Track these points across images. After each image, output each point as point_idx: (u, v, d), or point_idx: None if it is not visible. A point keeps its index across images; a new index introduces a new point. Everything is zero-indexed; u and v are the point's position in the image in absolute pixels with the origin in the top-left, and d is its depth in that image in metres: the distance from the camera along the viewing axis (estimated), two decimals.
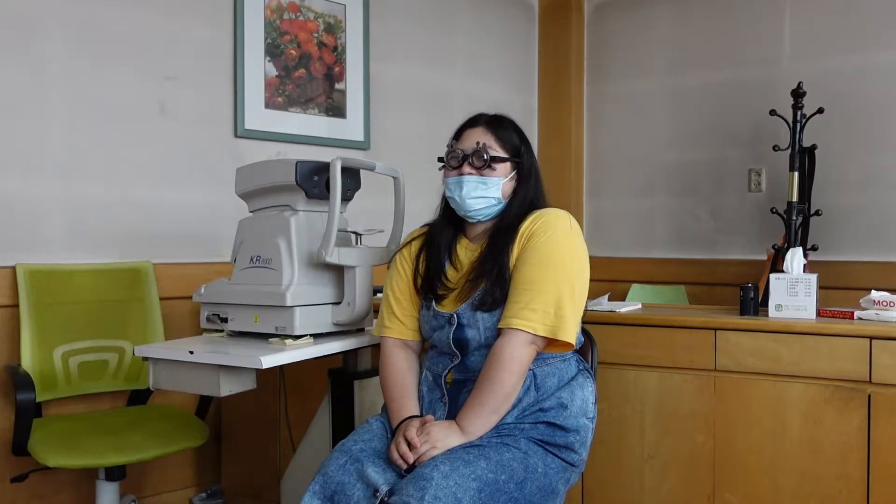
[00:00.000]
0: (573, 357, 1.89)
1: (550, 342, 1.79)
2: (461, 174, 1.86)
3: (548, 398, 1.80)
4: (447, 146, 1.92)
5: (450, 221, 1.95)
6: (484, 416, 1.75)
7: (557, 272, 1.77)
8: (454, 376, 1.85)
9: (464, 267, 1.89)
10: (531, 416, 1.79)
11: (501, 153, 1.87)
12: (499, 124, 1.91)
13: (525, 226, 1.83)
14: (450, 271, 1.90)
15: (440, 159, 1.93)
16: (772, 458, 2.14)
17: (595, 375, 1.98)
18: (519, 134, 1.93)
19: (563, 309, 1.75)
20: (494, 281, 1.80)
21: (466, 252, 1.92)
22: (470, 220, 1.91)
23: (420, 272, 1.93)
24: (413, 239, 2.01)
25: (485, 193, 1.85)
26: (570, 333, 1.77)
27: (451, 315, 1.83)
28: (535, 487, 1.71)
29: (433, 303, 1.88)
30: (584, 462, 1.86)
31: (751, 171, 3.88)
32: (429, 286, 1.90)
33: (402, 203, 2.17)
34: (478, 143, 1.86)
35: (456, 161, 1.88)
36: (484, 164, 1.85)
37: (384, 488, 1.66)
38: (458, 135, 1.93)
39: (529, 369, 1.80)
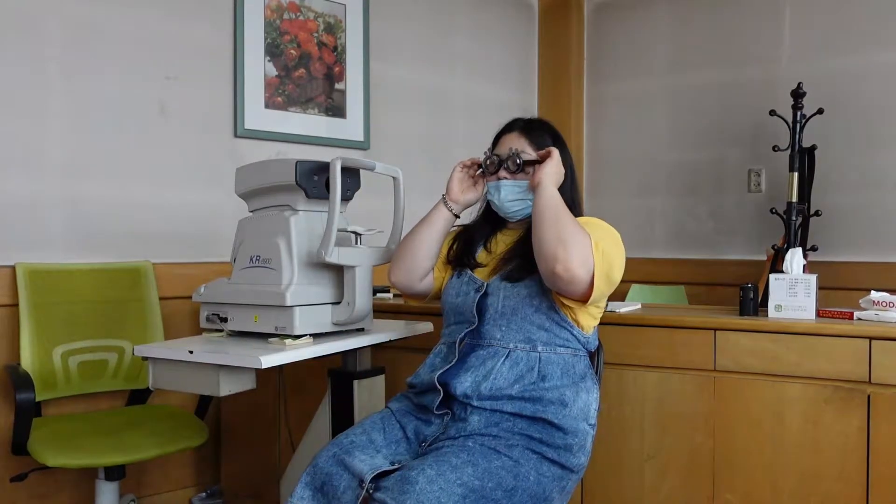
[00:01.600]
0: (584, 356, 1.90)
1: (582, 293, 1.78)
2: (499, 179, 1.97)
3: (550, 389, 1.80)
4: (484, 153, 2.01)
5: (488, 220, 2.07)
6: (565, 209, 1.81)
7: (615, 244, 1.85)
8: (467, 340, 1.89)
9: (498, 251, 1.99)
10: (530, 403, 1.78)
11: (534, 156, 1.95)
12: (532, 128, 2.01)
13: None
14: (481, 254, 2.01)
15: (479, 166, 2.02)
16: (771, 458, 2.14)
17: (600, 381, 1.98)
18: (553, 135, 2.02)
19: (612, 277, 1.80)
20: (527, 259, 1.87)
21: (504, 237, 2.03)
22: (511, 220, 2.02)
23: (453, 249, 2.05)
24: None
25: (521, 196, 1.95)
26: (601, 289, 1.77)
27: (483, 283, 1.91)
28: (525, 496, 1.71)
29: (468, 270, 1.97)
30: (583, 468, 1.85)
31: (750, 171, 3.88)
32: (457, 260, 2.01)
33: (401, 203, 2.17)
34: (511, 149, 1.96)
35: (493, 167, 1.98)
36: (517, 168, 1.94)
37: (368, 476, 1.67)
38: (496, 141, 2.04)
39: (536, 352, 1.82)
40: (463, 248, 2.03)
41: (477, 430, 1.77)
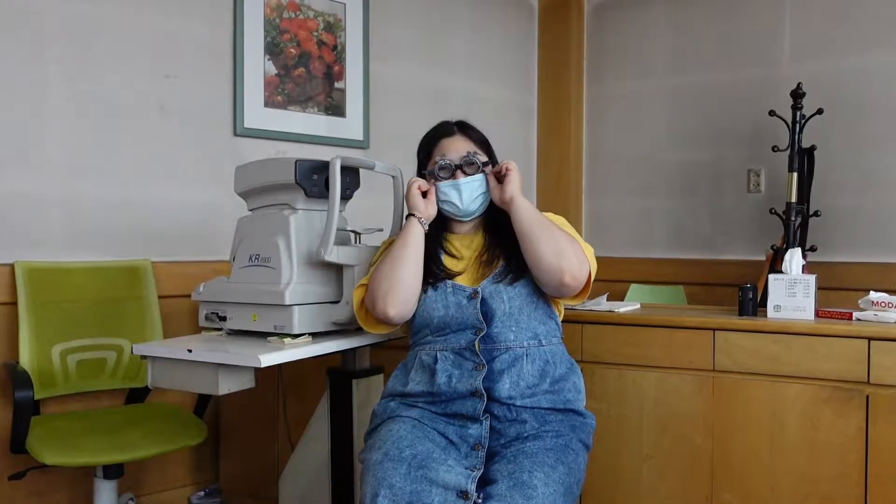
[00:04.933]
0: (563, 343, 1.98)
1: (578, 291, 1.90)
2: (456, 178, 1.95)
3: (563, 378, 1.88)
4: (435, 160, 1.97)
5: (435, 226, 1.99)
6: (547, 219, 1.87)
7: (581, 240, 1.94)
8: (481, 346, 1.86)
9: (464, 256, 1.96)
10: (558, 395, 1.85)
11: (485, 157, 1.99)
12: (468, 128, 2.03)
13: None
14: (447, 259, 1.96)
15: (430, 174, 1.97)
16: (770, 458, 2.14)
17: None
18: (484, 135, 2.05)
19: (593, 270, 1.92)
20: (510, 254, 1.90)
21: (463, 242, 2.00)
22: (464, 220, 1.99)
23: None
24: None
25: (481, 191, 1.96)
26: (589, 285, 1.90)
27: (475, 290, 1.88)
28: (581, 482, 1.81)
29: (447, 280, 1.90)
30: None
31: (750, 171, 3.88)
32: (428, 272, 1.93)
33: (401, 202, 2.17)
34: (468, 153, 1.96)
35: (448, 172, 1.96)
36: (477, 170, 1.95)
37: (472, 486, 1.64)
38: (434, 145, 2.00)
39: (543, 346, 1.87)
40: (428, 260, 1.94)
41: (539, 428, 1.82)
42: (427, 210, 1.95)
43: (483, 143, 2.01)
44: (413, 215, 1.94)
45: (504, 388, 1.81)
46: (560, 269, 1.82)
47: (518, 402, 1.82)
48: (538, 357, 1.86)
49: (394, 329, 2.00)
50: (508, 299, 1.87)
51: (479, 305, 1.86)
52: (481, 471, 1.71)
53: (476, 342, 1.85)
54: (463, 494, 1.63)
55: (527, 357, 1.85)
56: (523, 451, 1.75)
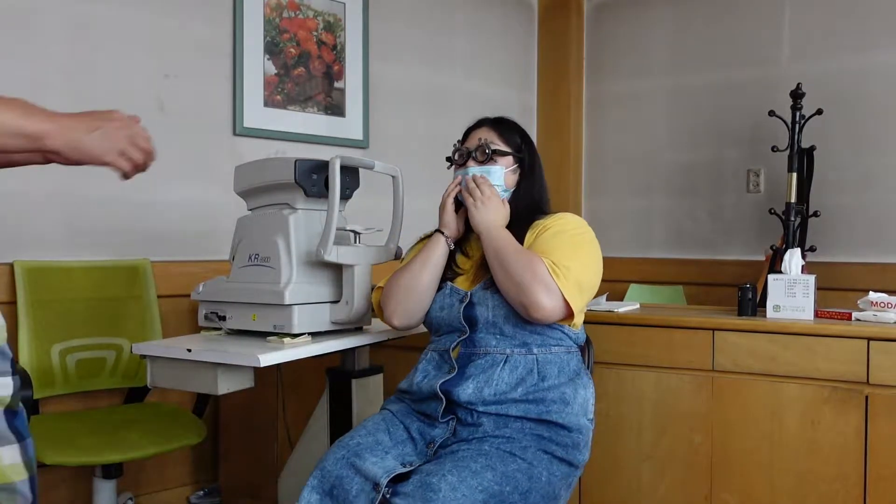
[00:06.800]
0: (576, 353, 1.91)
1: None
2: (466, 168, 1.96)
3: (550, 389, 1.80)
4: (453, 147, 2.01)
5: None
6: (507, 251, 1.80)
7: (576, 248, 1.85)
8: (461, 350, 1.86)
9: (473, 256, 1.96)
10: (534, 405, 1.79)
11: (503, 147, 1.96)
12: (501, 123, 2.01)
13: (539, 222, 1.92)
14: (460, 258, 1.96)
15: (448, 159, 2.02)
16: (769, 458, 2.14)
17: (591, 375, 1.99)
18: (521, 133, 2.01)
19: (583, 285, 1.81)
20: None
21: (477, 243, 1.97)
22: None
23: None
24: (430, 235, 2.06)
25: (492, 181, 1.93)
26: (578, 303, 1.80)
27: (466, 293, 1.88)
28: (538, 496, 1.72)
29: (448, 282, 1.92)
30: (584, 464, 1.87)
31: (749, 171, 3.88)
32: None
33: (400, 202, 2.17)
34: (480, 140, 1.96)
35: (461, 158, 1.98)
36: (486, 157, 1.94)
37: (384, 479, 1.65)
38: (464, 137, 2.03)
39: (533, 354, 1.82)
40: (448, 257, 1.96)
41: (490, 432, 1.77)
42: (456, 227, 1.95)
43: (508, 139, 1.97)
44: (442, 233, 1.94)
45: (465, 392, 1.78)
46: (521, 304, 1.77)
47: (479, 408, 1.78)
48: (521, 365, 1.81)
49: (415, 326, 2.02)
50: (493, 307, 1.83)
51: (462, 310, 1.86)
52: (410, 468, 1.71)
53: (456, 345, 1.86)
54: (376, 487, 1.66)
55: (506, 364, 1.81)
56: (455, 452, 1.72)
